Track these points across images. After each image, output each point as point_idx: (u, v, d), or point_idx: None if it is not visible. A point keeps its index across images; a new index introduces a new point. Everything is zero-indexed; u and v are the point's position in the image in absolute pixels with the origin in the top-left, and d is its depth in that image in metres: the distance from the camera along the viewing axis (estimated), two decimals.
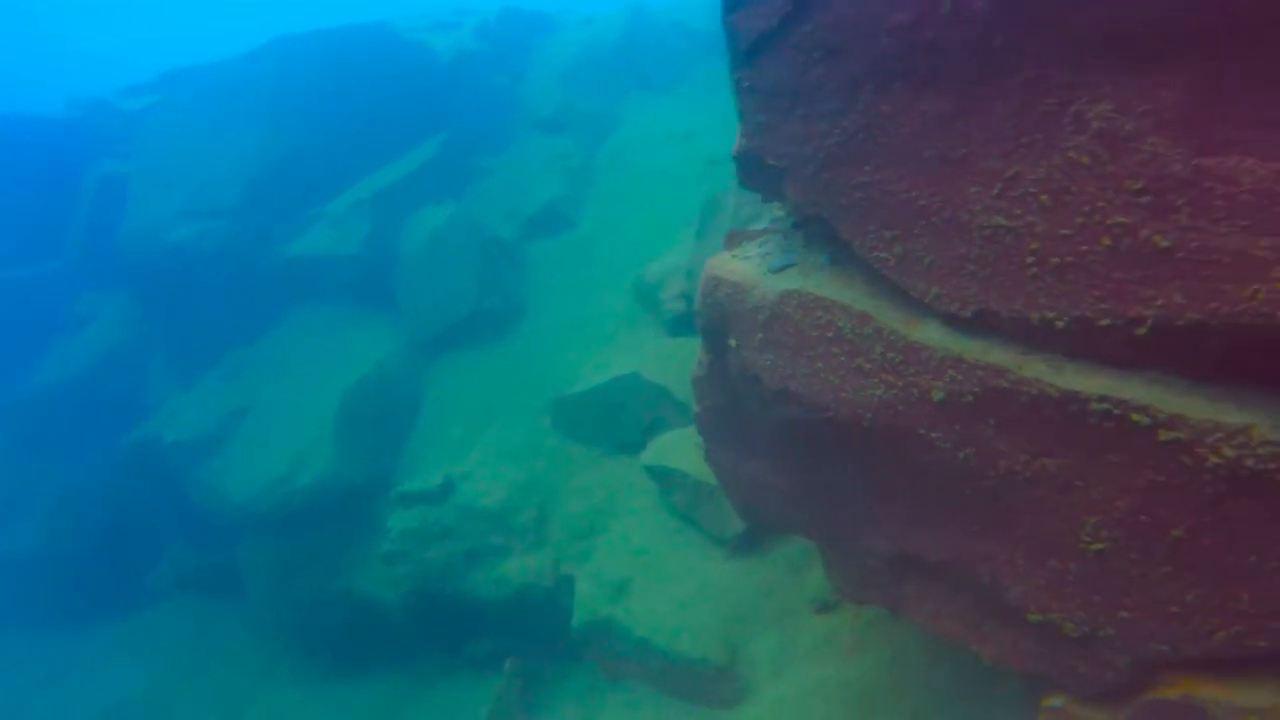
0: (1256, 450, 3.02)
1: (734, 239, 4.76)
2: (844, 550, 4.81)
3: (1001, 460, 3.62)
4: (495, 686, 9.60)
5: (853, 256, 3.99)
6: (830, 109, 3.71)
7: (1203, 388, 3.19)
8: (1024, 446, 3.55)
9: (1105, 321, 3.20)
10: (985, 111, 3.29)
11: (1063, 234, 3.22)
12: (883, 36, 3.40)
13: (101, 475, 14.57)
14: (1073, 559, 3.61)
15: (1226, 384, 3.16)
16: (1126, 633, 3.62)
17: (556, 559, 9.69)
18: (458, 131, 16.21)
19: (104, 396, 14.92)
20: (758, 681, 6.98)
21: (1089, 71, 3.01)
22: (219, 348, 14.00)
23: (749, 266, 4.44)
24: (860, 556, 4.66)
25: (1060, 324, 3.32)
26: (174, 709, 12.27)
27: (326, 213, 14.21)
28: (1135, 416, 3.21)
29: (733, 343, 4.54)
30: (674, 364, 10.24)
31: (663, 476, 8.90)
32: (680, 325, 10.89)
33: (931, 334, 3.71)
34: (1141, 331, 3.13)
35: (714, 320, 4.69)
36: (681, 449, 8.84)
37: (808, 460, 4.57)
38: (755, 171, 4.24)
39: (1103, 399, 3.27)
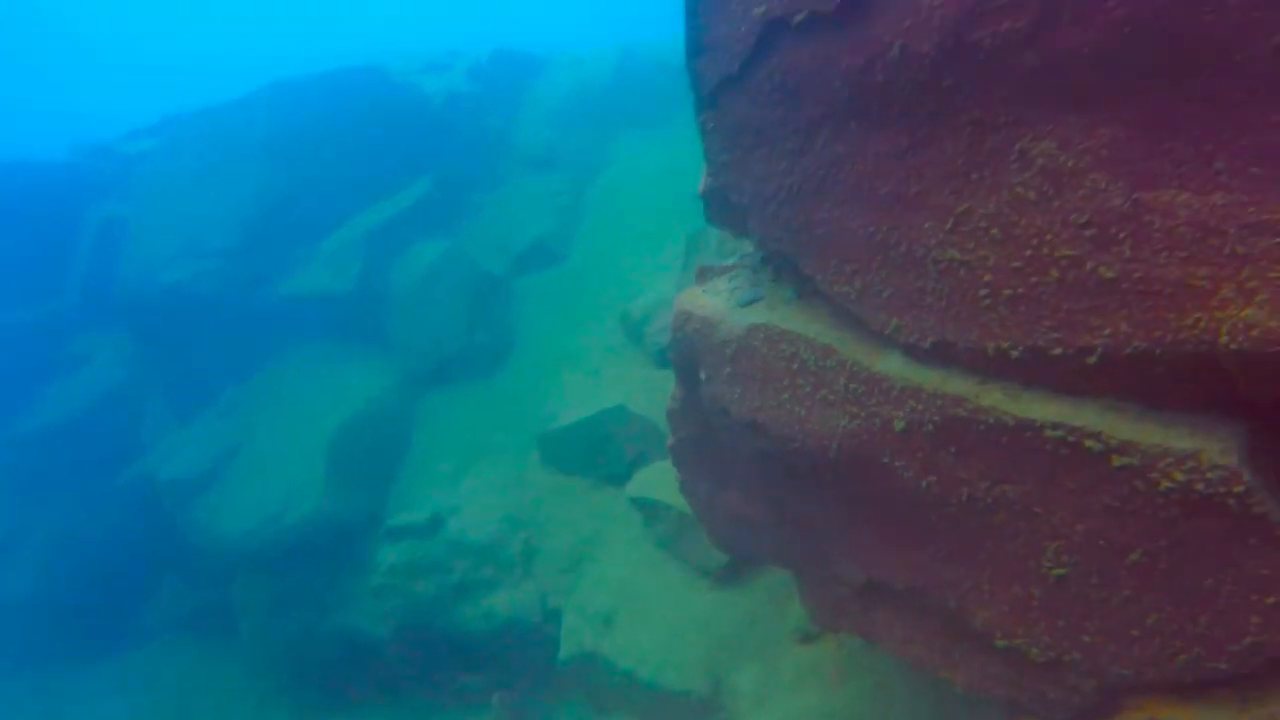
0: (1206, 474, 3.05)
1: (704, 274, 4.82)
2: (815, 578, 4.82)
3: (963, 487, 3.65)
4: None
5: (817, 290, 4.05)
6: (790, 148, 3.78)
7: (1155, 414, 3.23)
8: (984, 474, 3.58)
9: (1057, 351, 3.25)
10: (936, 149, 3.36)
11: (1014, 266, 3.27)
12: (836, 79, 3.47)
13: (97, 514, 14.51)
14: (1035, 584, 3.63)
15: (1178, 410, 3.20)
16: (1091, 657, 3.63)
17: (544, 592, 9.66)
18: (450, 170, 16.39)
19: (101, 436, 14.89)
20: (741, 712, 6.93)
21: (1031, 110, 3.08)
22: (215, 386, 14.06)
23: (718, 301, 4.50)
24: (831, 584, 4.67)
25: (1015, 354, 3.37)
26: None
27: (319, 252, 14.31)
28: (1088, 443, 3.25)
29: (703, 376, 4.58)
30: (660, 396, 10.24)
31: (647, 508, 8.91)
32: (666, 358, 10.91)
33: (892, 365, 3.75)
34: (1092, 360, 3.18)
35: (684, 354, 4.73)
36: (666, 481, 8.84)
37: (778, 490, 4.60)
38: (721, 209, 4.31)
39: (1056, 426, 3.31)
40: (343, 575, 11.22)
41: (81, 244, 16.60)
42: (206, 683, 12.87)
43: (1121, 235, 2.97)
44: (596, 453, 10.54)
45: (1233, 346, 2.82)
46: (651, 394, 10.48)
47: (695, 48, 3.94)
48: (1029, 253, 3.22)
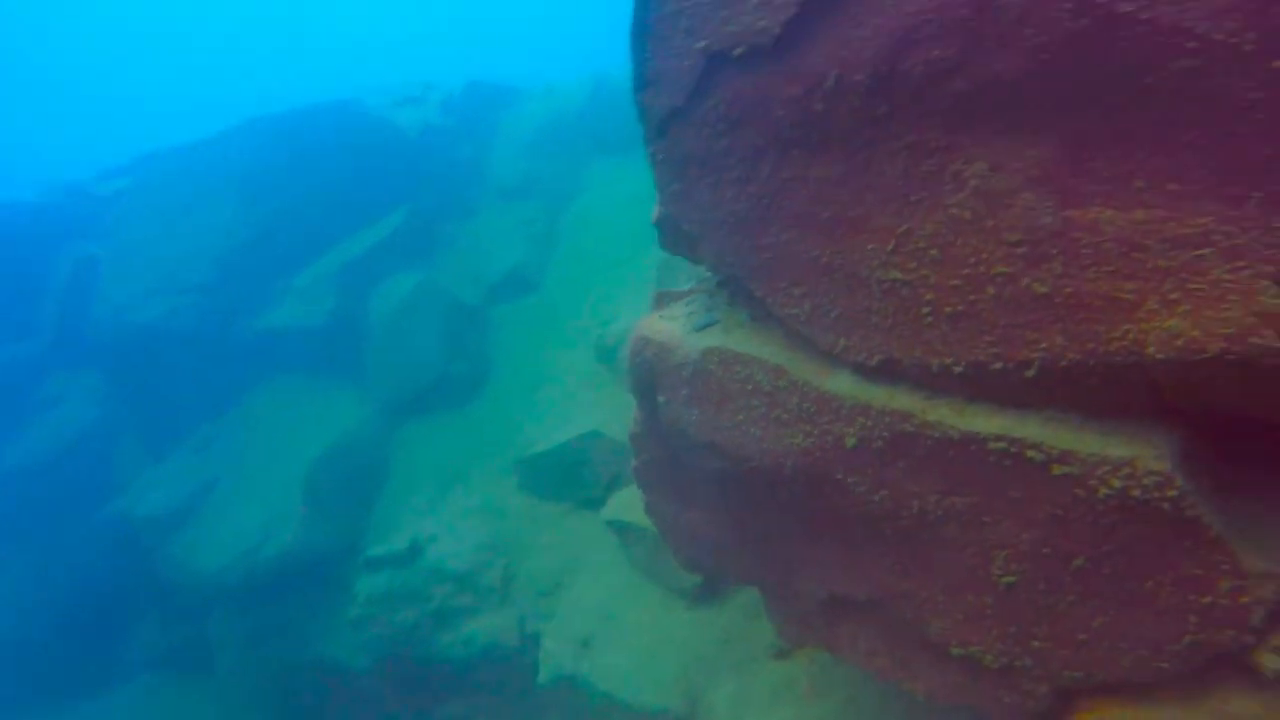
0: (1142, 481, 3.13)
1: (662, 300, 4.89)
2: (780, 595, 4.87)
3: (914, 501, 3.72)
4: None
5: (770, 313, 4.12)
6: (736, 176, 3.87)
7: (1094, 423, 3.32)
8: (934, 487, 3.65)
9: (998, 365, 3.33)
10: (875, 174, 3.45)
11: (953, 285, 3.36)
12: (778, 109, 3.57)
13: (73, 554, 14.33)
14: (987, 592, 3.70)
15: (1116, 419, 3.29)
16: (1042, 661, 3.70)
17: (522, 616, 9.64)
18: (424, 202, 16.43)
19: (76, 476, 14.73)
20: None
21: (963, 134, 3.17)
22: (190, 422, 13.98)
23: (674, 326, 4.57)
24: (795, 601, 4.71)
25: (958, 369, 3.45)
26: None
27: (294, 286, 14.32)
28: (1030, 453, 3.33)
29: (661, 399, 4.64)
30: None
31: (623, 531, 8.93)
32: None
33: (842, 384, 3.83)
34: (1030, 373, 3.26)
35: (643, 378, 4.80)
36: (640, 504, 8.87)
37: (739, 509, 4.65)
38: (674, 236, 4.40)
39: (999, 438, 3.39)
40: (321, 607, 11.15)
41: (54, 284, 16.51)
42: None
43: (1052, 252, 3.07)
44: (572, 477, 10.57)
45: (1159, 356, 2.91)
46: (627, 418, 10.41)
47: (642, 81, 4.03)
48: (967, 271, 3.31)
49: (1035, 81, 2.90)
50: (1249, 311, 2.70)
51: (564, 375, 12.72)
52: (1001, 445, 3.38)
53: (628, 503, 9.13)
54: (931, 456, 3.58)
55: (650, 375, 4.71)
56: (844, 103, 3.37)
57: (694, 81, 3.81)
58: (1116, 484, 3.17)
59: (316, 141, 15.84)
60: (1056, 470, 3.28)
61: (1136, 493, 3.14)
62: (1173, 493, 3.08)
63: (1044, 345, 3.18)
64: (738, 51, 3.55)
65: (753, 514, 4.58)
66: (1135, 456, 3.14)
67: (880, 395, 3.70)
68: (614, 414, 10.81)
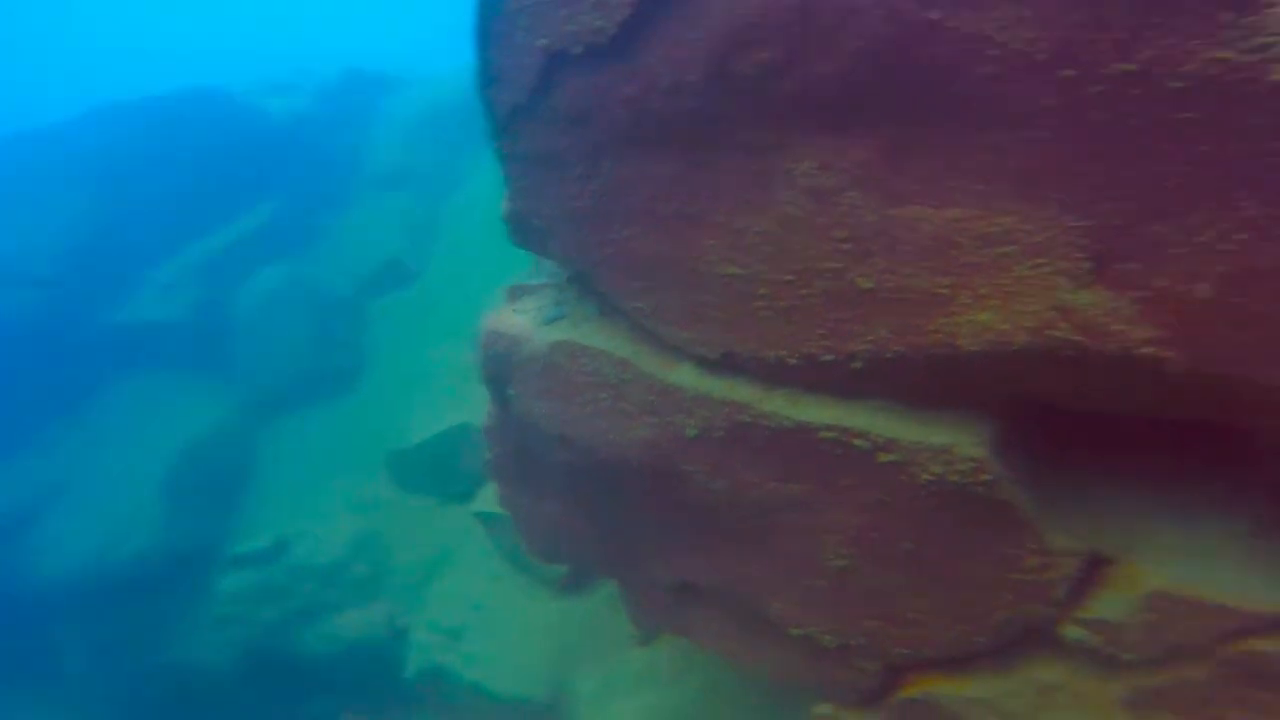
0: (959, 466, 3.24)
1: (514, 293, 4.81)
2: (633, 583, 4.88)
3: (752, 489, 3.76)
4: None
5: (617, 307, 4.10)
6: (579, 173, 3.82)
7: (918, 413, 3.41)
8: (770, 475, 3.70)
9: (829, 357, 3.38)
10: (712, 172, 3.45)
11: (786, 280, 3.39)
12: (617, 107, 3.53)
13: None
14: (821, 576, 3.77)
15: (939, 408, 3.38)
16: (874, 640, 3.80)
17: (391, 611, 9.42)
18: (297, 193, 15.74)
19: None
20: (581, 715, 6.93)
21: (793, 134, 3.20)
22: (37, 423, 12.99)
23: (525, 320, 4.50)
24: (647, 588, 4.72)
25: (792, 361, 3.49)
26: None
27: (155, 278, 13.49)
28: (857, 442, 3.40)
29: (512, 393, 4.57)
30: None
31: (492, 522, 8.80)
32: None
33: (685, 376, 3.83)
34: (858, 365, 3.32)
35: (495, 372, 4.71)
36: None
37: (591, 500, 4.63)
38: (523, 231, 4.32)
39: (829, 428, 3.45)
40: (182, 609, 10.59)
41: None
42: None
43: (875, 249, 3.13)
44: (444, 471, 10.35)
45: (971, 348, 3.00)
46: None
47: (487, 78, 3.94)
48: (799, 266, 3.34)
49: (855, 84, 2.94)
50: (1049, 306, 2.81)
51: (440, 367, 12.43)
52: (832, 434, 3.44)
53: (497, 495, 9.01)
54: (768, 446, 3.63)
55: (502, 369, 4.64)
56: (680, 102, 3.36)
57: (536, 79, 3.74)
58: (936, 470, 3.27)
59: (178, 130, 14.89)
60: (882, 458, 3.37)
61: (954, 478, 3.24)
62: (986, 477, 3.19)
63: (870, 338, 3.25)
64: (577, 50, 3.49)
65: (604, 505, 4.56)
66: (953, 444, 3.24)
67: (720, 387, 3.72)
68: (486, 406, 10.65)
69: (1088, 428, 3.50)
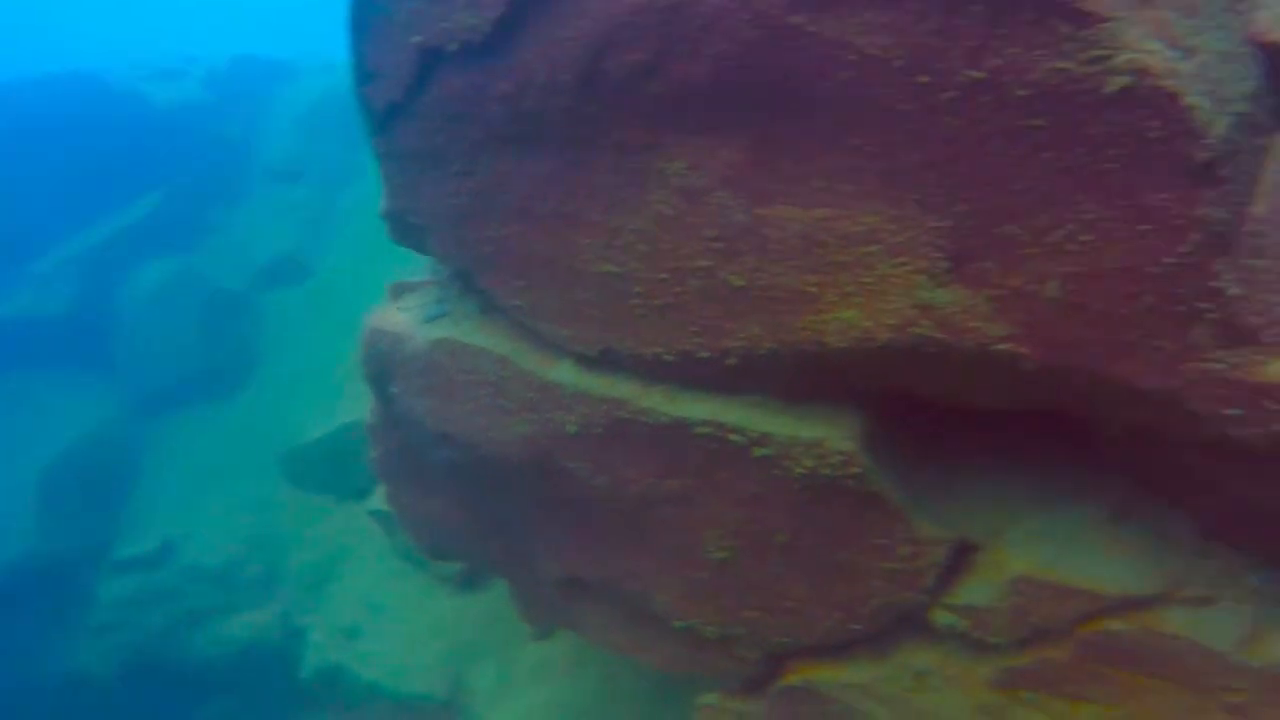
0: (830, 460, 3.28)
1: (398, 291, 4.69)
2: (521, 579, 4.83)
3: (633, 484, 3.74)
4: None
5: (497, 305, 4.03)
6: (456, 170, 3.72)
7: (793, 408, 3.44)
8: (650, 470, 3.68)
9: (704, 354, 3.38)
10: (587, 170, 3.41)
11: (661, 278, 3.37)
12: (493, 105, 3.44)
13: None
14: (701, 568, 3.78)
15: (812, 403, 3.42)
16: (754, 630, 3.83)
17: (287, 611, 9.11)
18: (184, 185, 14.90)
19: None
20: (478, 711, 6.84)
21: (664, 134, 3.17)
22: None
23: (407, 317, 4.39)
24: (535, 584, 4.68)
25: (668, 358, 3.47)
26: None
27: (28, 273, 12.68)
28: (732, 437, 3.41)
29: (394, 391, 4.46)
30: None
31: (387, 520, 8.58)
32: None
33: (564, 373, 3.78)
34: (732, 362, 3.33)
35: (378, 370, 4.58)
36: None
37: (476, 497, 4.55)
38: (402, 229, 4.21)
39: (706, 423, 3.45)
40: (61, 617, 10.02)
41: None
42: None
43: (745, 247, 3.13)
44: (340, 468, 10.03)
45: (839, 345, 3.03)
46: None
47: (362, 75, 3.81)
48: (673, 264, 3.32)
49: (723, 85, 2.93)
50: (910, 304, 2.86)
51: (336, 364, 12.07)
52: (708, 430, 3.44)
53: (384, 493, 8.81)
54: (646, 442, 3.61)
55: (384, 367, 4.51)
56: (554, 100, 3.30)
57: (412, 77, 3.63)
58: (809, 463, 3.30)
59: (50, 115, 13.95)
60: (757, 452, 3.38)
61: (826, 471, 3.28)
62: (856, 470, 3.24)
63: (743, 335, 3.25)
64: (452, 47, 3.39)
65: (489, 501, 4.49)
66: (825, 438, 3.28)
67: (600, 384, 3.69)
68: None
69: (956, 419, 3.58)
